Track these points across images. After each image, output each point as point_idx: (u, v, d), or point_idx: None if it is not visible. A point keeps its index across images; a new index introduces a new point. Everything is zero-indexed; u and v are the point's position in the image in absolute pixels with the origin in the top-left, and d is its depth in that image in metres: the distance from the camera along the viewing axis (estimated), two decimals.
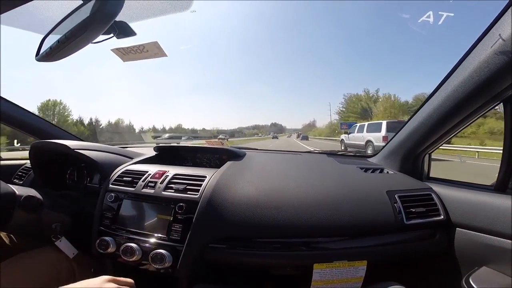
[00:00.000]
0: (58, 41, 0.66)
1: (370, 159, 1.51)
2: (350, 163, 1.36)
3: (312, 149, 1.88)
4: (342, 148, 12.28)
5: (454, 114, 0.94)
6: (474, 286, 0.79)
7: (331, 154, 1.67)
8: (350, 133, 12.26)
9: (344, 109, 45.03)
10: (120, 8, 0.60)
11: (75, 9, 0.69)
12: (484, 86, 0.81)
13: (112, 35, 0.77)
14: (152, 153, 1.39)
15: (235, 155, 1.29)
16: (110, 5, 0.58)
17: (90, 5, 0.61)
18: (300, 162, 1.42)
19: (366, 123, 11.02)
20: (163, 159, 1.36)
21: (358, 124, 11.97)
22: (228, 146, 1.67)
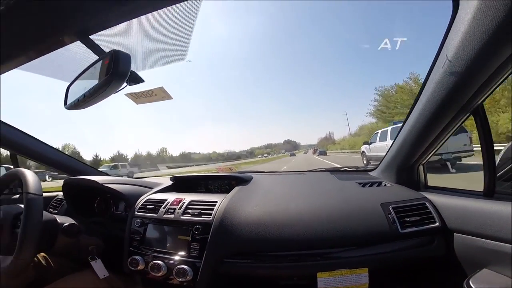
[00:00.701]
0: (84, 95, 0.78)
1: (371, 173, 1.56)
2: (350, 178, 1.43)
3: (318, 168, 1.90)
4: (364, 162, 10.25)
5: (430, 129, 1.01)
6: None
7: (333, 171, 1.74)
8: (371, 143, 9.93)
9: (382, 107, 33.45)
10: (130, 65, 0.71)
11: (93, 63, 0.80)
12: (447, 103, 0.88)
13: (126, 84, 0.90)
14: (169, 182, 1.53)
15: (243, 180, 1.41)
16: (121, 65, 0.70)
17: (104, 62, 0.73)
18: (301, 182, 1.51)
19: (389, 128, 8.66)
20: (179, 188, 1.50)
21: (379, 131, 9.58)
22: (236, 172, 1.78)
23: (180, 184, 1.54)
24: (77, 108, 0.87)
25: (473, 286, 0.80)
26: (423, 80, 0.93)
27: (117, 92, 0.87)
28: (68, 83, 0.91)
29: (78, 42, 0.80)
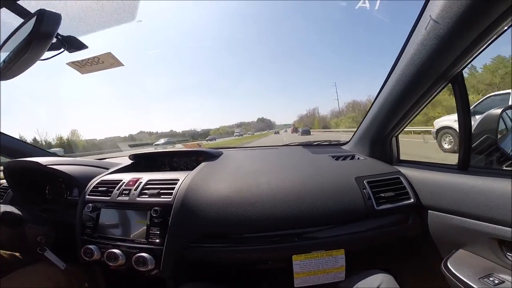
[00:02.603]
0: (4, 61, 0.67)
1: (343, 147, 1.53)
2: (323, 152, 1.38)
3: (292, 142, 1.86)
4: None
5: (406, 97, 0.96)
6: (453, 270, 0.79)
7: (306, 145, 1.69)
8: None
9: None
10: (57, 25, 0.62)
11: (17, 27, 0.69)
12: (426, 68, 0.83)
13: (62, 50, 0.78)
14: (128, 162, 1.40)
15: (211, 156, 1.31)
16: (45, 25, 0.60)
17: (29, 24, 0.62)
18: (274, 156, 1.43)
19: None
20: (139, 167, 1.38)
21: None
22: (205, 148, 1.68)
23: (142, 163, 1.42)
24: (1, 79, 0.74)
25: (451, 269, 0.79)
26: None
27: (49, 58, 0.76)
28: None
29: (4, 9, 0.71)
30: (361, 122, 1.30)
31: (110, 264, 0.93)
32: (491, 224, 0.74)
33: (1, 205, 1.01)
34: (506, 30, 0.68)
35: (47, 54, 0.71)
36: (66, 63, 0.90)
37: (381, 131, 1.18)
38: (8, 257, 1.09)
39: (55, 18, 0.62)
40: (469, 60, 0.78)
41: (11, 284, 0.93)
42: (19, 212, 0.99)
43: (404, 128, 1.14)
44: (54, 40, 0.75)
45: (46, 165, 1.12)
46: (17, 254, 1.12)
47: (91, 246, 0.96)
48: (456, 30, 0.69)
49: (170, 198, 0.96)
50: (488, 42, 0.72)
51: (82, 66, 0.91)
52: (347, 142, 1.52)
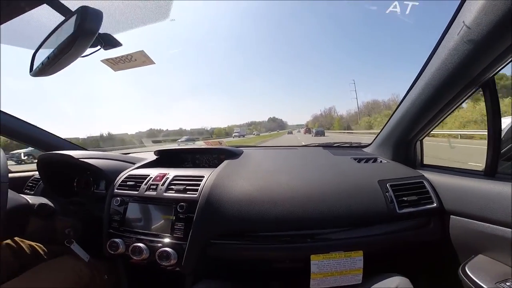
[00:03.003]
0: (48, 57, 0.70)
1: (365, 149, 1.52)
2: (344, 154, 1.37)
3: (311, 144, 1.86)
4: None
5: (435, 101, 0.95)
6: (470, 275, 0.78)
7: (326, 146, 1.68)
8: None
9: None
10: (100, 23, 0.64)
11: (59, 24, 0.72)
12: (458, 73, 0.82)
13: (99, 47, 0.81)
14: (153, 157, 1.43)
15: (232, 154, 1.33)
16: (89, 22, 0.62)
17: (71, 21, 0.65)
18: (294, 157, 1.43)
19: None
20: (163, 163, 1.40)
21: None
22: (226, 146, 1.69)
23: (166, 159, 1.44)
24: (44, 74, 0.79)
25: (469, 273, 0.78)
26: None
27: (88, 55, 0.79)
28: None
29: (44, 5, 0.72)
30: (385, 125, 1.29)
31: (134, 257, 0.95)
32: None
33: (34, 196, 1.04)
34: None
35: (87, 51, 0.74)
36: (101, 60, 0.94)
37: (406, 134, 1.16)
38: (37, 249, 1.12)
39: (98, 15, 0.64)
40: (502, 66, 0.77)
41: (36, 276, 0.95)
42: (52, 205, 1.02)
43: (430, 132, 1.12)
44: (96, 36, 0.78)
45: (78, 158, 1.17)
46: (45, 246, 1.16)
47: (117, 240, 0.99)
48: (490, 37, 0.69)
49: (196, 194, 0.97)
50: None
51: (116, 64, 0.94)
52: (369, 144, 1.51)
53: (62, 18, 0.72)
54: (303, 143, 1.84)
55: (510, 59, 0.74)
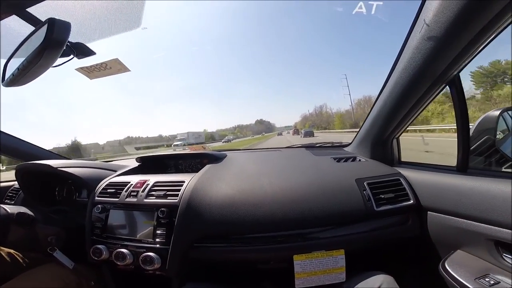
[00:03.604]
0: (18, 68, 0.70)
1: (345, 148, 1.55)
2: (325, 154, 1.40)
3: (294, 145, 1.89)
4: None
5: (404, 99, 0.97)
6: (450, 271, 0.79)
7: (309, 146, 1.72)
8: None
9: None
10: (67, 34, 0.65)
11: (29, 34, 0.73)
12: (423, 71, 0.84)
13: (72, 56, 0.81)
14: (135, 164, 1.43)
15: (215, 158, 1.34)
16: (56, 33, 0.63)
17: (41, 32, 0.65)
18: (277, 158, 1.45)
19: None
20: (146, 169, 1.41)
21: None
22: (210, 150, 1.71)
23: (148, 166, 1.45)
24: (15, 85, 0.80)
25: (449, 269, 0.80)
26: None
27: (60, 64, 0.80)
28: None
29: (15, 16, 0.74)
30: (362, 124, 1.31)
31: (118, 263, 0.96)
32: (488, 226, 0.75)
33: (13, 206, 1.04)
34: (501, 31, 0.68)
35: (58, 61, 0.74)
36: (75, 69, 0.94)
37: (382, 133, 1.19)
38: (19, 258, 1.11)
39: (65, 26, 0.66)
40: (465, 63, 0.79)
41: (21, 284, 0.95)
42: (32, 213, 1.02)
43: (405, 129, 1.15)
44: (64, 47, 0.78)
45: (57, 167, 1.17)
46: (27, 254, 1.15)
47: (100, 246, 1.00)
48: (449, 33, 0.70)
49: (176, 199, 0.99)
50: (484, 44, 0.72)
51: (91, 72, 0.95)
52: (349, 143, 1.54)
53: (33, 28, 0.73)
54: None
55: (473, 56, 0.76)
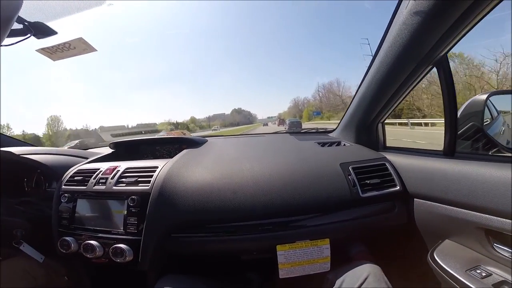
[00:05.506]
0: None
1: (330, 134, 1.52)
2: (309, 139, 1.36)
3: (279, 131, 1.89)
4: None
5: (390, 81, 0.94)
6: (439, 262, 0.77)
7: (293, 133, 1.68)
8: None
9: None
10: (16, 10, 0.59)
11: None
12: (409, 50, 0.81)
13: (29, 35, 0.75)
14: (109, 151, 1.37)
15: (194, 143, 1.29)
16: (4, 10, 0.57)
17: None
18: (260, 144, 1.40)
19: None
20: (120, 156, 1.34)
21: None
22: (190, 135, 1.66)
23: (122, 152, 1.38)
24: None
25: (438, 260, 0.77)
26: None
27: (15, 43, 0.74)
28: None
29: None
30: (347, 109, 1.28)
31: (88, 255, 0.90)
32: (477, 213, 0.71)
33: None
34: (489, 11, 0.65)
35: (11, 40, 0.69)
36: (36, 50, 0.87)
37: (367, 117, 1.16)
38: None
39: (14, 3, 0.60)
40: (453, 43, 0.76)
41: None
42: None
43: (390, 114, 1.12)
44: (21, 26, 0.73)
45: (19, 154, 1.09)
46: None
47: (67, 238, 0.93)
48: (437, 9, 0.67)
49: (148, 186, 0.93)
50: (472, 24, 0.70)
51: (53, 53, 0.89)
52: (334, 129, 1.52)
53: None
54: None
55: (460, 35, 0.73)
